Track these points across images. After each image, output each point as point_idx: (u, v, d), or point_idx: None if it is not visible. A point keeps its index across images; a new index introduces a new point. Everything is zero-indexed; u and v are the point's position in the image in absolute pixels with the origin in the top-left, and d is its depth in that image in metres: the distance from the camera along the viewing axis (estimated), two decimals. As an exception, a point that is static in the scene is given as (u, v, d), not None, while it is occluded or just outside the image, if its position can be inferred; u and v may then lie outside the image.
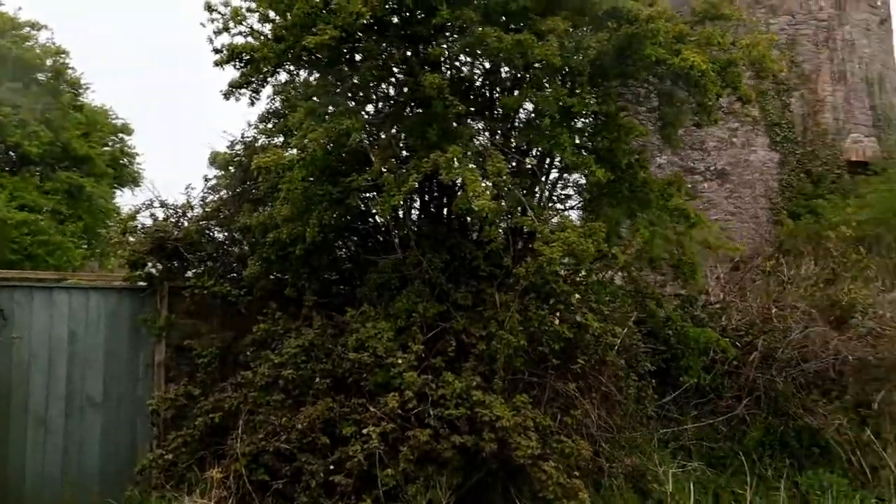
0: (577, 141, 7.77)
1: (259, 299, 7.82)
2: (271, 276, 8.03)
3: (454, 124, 7.44)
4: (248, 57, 7.99)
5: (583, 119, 7.87)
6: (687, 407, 8.29)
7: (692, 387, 8.12)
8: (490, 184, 6.98)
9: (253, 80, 8.10)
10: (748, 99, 8.05)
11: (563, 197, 8.83)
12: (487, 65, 8.41)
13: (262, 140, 8.97)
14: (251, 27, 8.52)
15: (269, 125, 8.78)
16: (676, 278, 8.29)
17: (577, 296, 7.43)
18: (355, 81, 8.00)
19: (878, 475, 7.76)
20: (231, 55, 7.83)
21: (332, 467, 6.45)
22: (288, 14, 7.75)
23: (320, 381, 6.85)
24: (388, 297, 7.32)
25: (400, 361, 6.47)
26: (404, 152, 8.04)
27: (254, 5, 8.43)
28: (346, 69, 8.26)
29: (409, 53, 7.99)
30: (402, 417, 6.48)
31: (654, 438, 7.64)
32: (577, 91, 7.35)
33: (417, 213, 8.56)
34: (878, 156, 15.86)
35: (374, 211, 8.38)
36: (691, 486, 6.98)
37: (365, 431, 6.33)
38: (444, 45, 7.73)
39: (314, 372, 6.91)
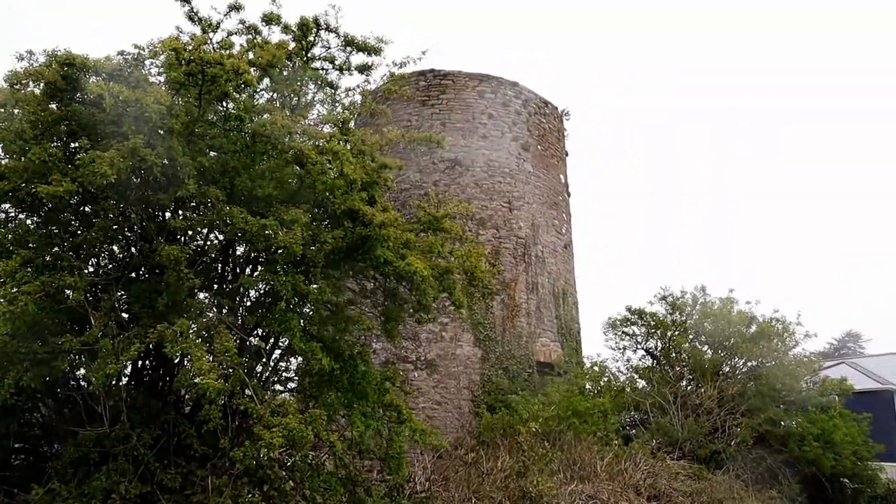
0: (305, 327, 8.03)
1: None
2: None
3: (185, 297, 7.35)
4: (-41, 188, 7.40)
5: (312, 307, 8.18)
6: None
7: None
8: (215, 361, 6.89)
9: (-41, 212, 7.47)
10: (461, 304, 8.98)
11: (284, 379, 8.91)
12: (223, 238, 8.53)
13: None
14: (-31, 158, 7.95)
15: (-29, 267, 7.93)
16: (383, 469, 8.56)
17: (290, 483, 7.35)
18: (82, 236, 7.67)
19: None
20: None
21: None
22: (19, 156, 7.38)
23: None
24: (84, 473, 6.68)
25: (90, 551, 5.83)
26: (125, 315, 7.72)
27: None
28: (74, 222, 7.92)
29: (146, 217, 7.91)
30: None
31: None
32: (312, 279, 7.72)
33: (127, 380, 8.08)
34: (561, 359, 18.12)
35: (79, 375, 7.78)
36: None
37: None
38: (186, 215, 7.79)
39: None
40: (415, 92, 18.34)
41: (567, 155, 21.43)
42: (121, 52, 8.71)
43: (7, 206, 7.97)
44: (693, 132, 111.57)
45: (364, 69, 10.52)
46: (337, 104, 10.26)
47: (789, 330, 19.54)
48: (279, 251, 7.32)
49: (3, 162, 7.79)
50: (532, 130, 19.47)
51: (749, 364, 19.41)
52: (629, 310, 20.46)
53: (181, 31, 9.64)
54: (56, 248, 7.52)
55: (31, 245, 7.39)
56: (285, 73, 9.64)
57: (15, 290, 6.62)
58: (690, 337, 19.95)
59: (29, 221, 8.06)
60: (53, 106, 7.64)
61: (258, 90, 9.18)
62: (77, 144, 7.55)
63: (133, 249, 7.96)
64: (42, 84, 7.50)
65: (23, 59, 7.65)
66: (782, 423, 18.54)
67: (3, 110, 7.57)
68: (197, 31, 9.54)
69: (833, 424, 17.56)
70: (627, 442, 15.83)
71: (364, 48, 10.25)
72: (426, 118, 18.44)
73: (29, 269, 6.85)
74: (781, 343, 19.45)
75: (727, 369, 19.55)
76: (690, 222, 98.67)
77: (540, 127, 19.79)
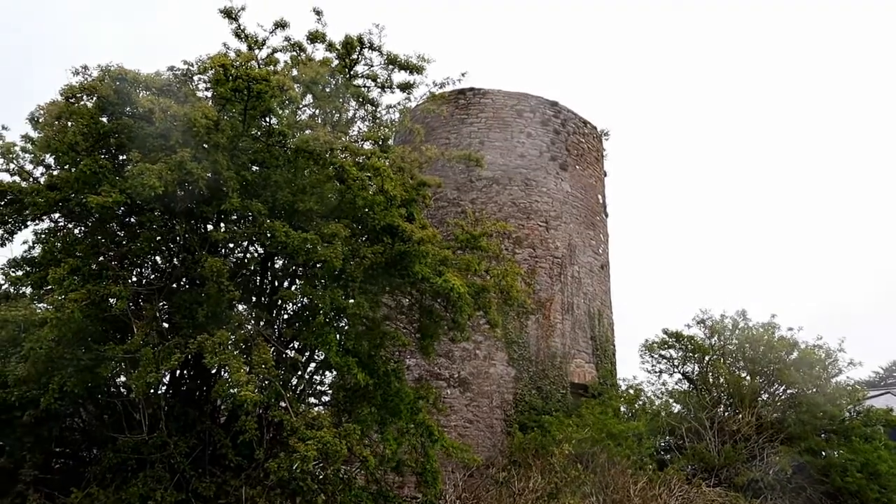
0: (342, 341, 8.08)
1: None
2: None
3: (225, 308, 7.47)
4: (10, 197, 7.65)
5: (349, 321, 8.23)
6: None
7: None
8: (252, 372, 6.97)
9: (10, 220, 7.70)
10: (496, 323, 8.96)
11: (318, 392, 8.97)
12: (262, 251, 8.65)
13: (5, 286, 8.33)
14: (21, 167, 8.21)
15: (21, 273, 8.16)
16: (419, 484, 8.55)
17: (322, 496, 7.39)
18: (127, 246, 7.85)
19: None
20: (-10, 191, 7.40)
21: None
22: (71, 167, 7.59)
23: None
24: (122, 479, 6.81)
25: (126, 557, 5.93)
26: (166, 324, 7.87)
27: (30, 146, 8.17)
28: (120, 232, 8.11)
29: (189, 229, 8.06)
30: None
31: None
32: (350, 293, 7.79)
33: (166, 388, 8.22)
34: (595, 380, 17.93)
35: (120, 382, 7.94)
36: None
37: None
38: (228, 228, 7.93)
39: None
40: (453, 110, 18.45)
41: (605, 175, 21.33)
42: (170, 68, 8.94)
43: (56, 215, 8.20)
44: (736, 148, 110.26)
45: (406, 87, 10.63)
46: (378, 121, 10.38)
47: (832, 357, 19.07)
48: (318, 265, 7.39)
49: (54, 172, 8.04)
50: (570, 150, 19.44)
51: (789, 391, 18.97)
52: (666, 333, 20.15)
53: (228, 48, 9.86)
54: (102, 258, 7.71)
55: (78, 254, 7.58)
56: (328, 90, 9.78)
57: (62, 297, 6.78)
58: (729, 362, 19.60)
59: (77, 231, 8.28)
60: (104, 119, 7.86)
61: (301, 106, 9.33)
62: (126, 157, 7.76)
63: (175, 260, 8.13)
64: (95, 97, 7.73)
65: (78, 73, 7.89)
66: (823, 452, 18.06)
67: (57, 122, 7.80)
68: (243, 47, 9.74)
69: (878, 456, 17.03)
70: (662, 467, 15.55)
71: (406, 66, 10.36)
72: (465, 136, 18.52)
73: (76, 278, 7.02)
74: (824, 370, 18.98)
75: (766, 396, 19.14)
76: (732, 243, 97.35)
77: (578, 147, 19.75)
